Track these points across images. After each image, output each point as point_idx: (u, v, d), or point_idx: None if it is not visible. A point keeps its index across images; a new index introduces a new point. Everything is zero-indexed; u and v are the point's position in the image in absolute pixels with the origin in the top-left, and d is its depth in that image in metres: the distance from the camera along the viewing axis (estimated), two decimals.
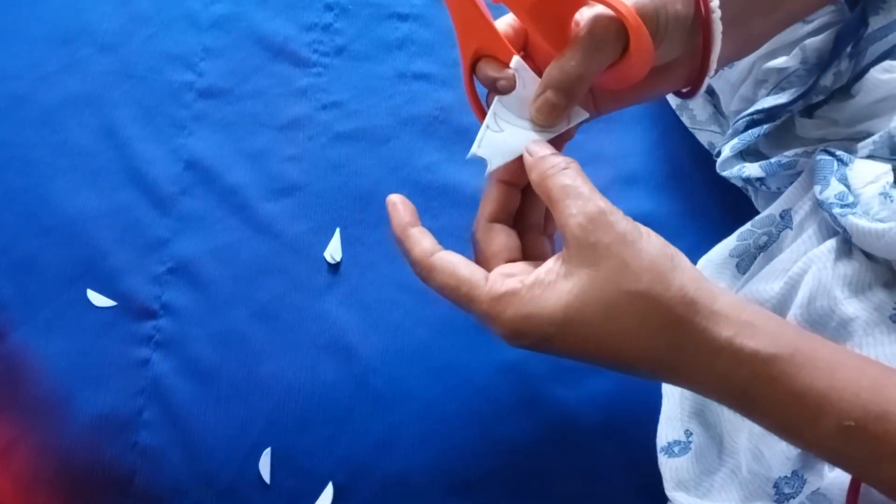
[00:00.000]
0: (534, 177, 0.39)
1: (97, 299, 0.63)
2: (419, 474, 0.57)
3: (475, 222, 0.42)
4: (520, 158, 0.41)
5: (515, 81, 0.41)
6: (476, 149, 0.41)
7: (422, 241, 0.40)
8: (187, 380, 0.60)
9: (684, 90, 0.44)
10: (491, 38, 0.41)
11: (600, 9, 0.38)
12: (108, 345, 0.61)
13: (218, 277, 0.63)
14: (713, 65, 0.41)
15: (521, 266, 0.39)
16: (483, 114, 0.43)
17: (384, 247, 0.64)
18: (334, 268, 0.64)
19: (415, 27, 0.73)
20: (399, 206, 0.42)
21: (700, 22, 0.39)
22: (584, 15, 0.38)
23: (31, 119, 0.69)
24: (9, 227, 0.65)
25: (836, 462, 0.36)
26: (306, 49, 0.72)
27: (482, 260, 0.41)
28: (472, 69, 0.42)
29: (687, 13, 0.39)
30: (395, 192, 0.67)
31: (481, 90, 0.44)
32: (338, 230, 0.65)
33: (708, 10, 0.39)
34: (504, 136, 0.41)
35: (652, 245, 0.36)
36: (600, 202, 0.36)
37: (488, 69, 0.41)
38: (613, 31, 0.37)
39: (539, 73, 0.41)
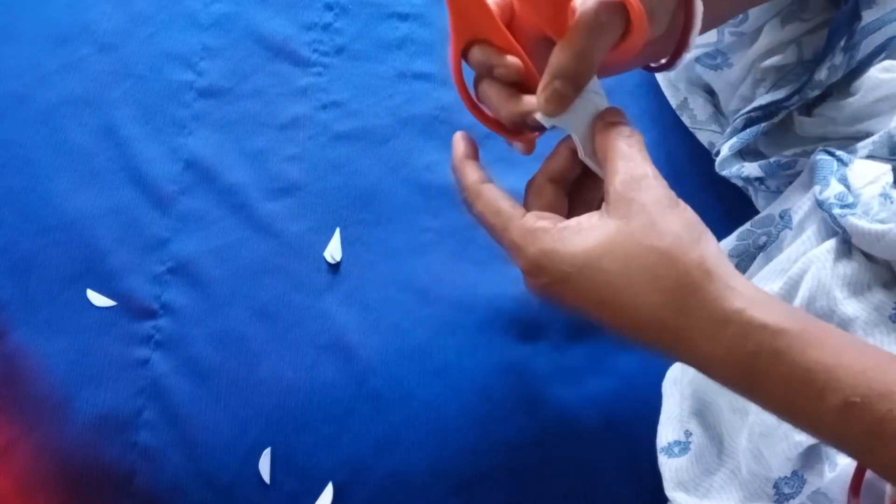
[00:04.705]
0: (598, 138, 0.40)
1: (97, 299, 0.63)
2: (419, 474, 0.57)
3: (533, 176, 0.43)
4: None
5: (515, 70, 0.40)
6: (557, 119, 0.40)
7: (476, 172, 0.42)
8: (187, 379, 0.60)
9: (654, 64, 0.45)
10: (488, 24, 0.40)
11: None
12: (108, 345, 0.61)
13: (218, 277, 0.63)
14: (692, 43, 0.42)
15: (559, 216, 0.40)
16: (469, 99, 0.43)
17: (384, 246, 0.64)
18: (334, 267, 0.64)
19: (415, 27, 0.73)
20: (462, 141, 0.44)
21: (681, 3, 0.40)
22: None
23: (31, 119, 0.69)
24: (8, 227, 0.65)
25: (836, 443, 0.36)
26: (306, 48, 0.72)
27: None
28: (464, 54, 0.42)
29: None
30: (395, 191, 0.68)
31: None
32: (338, 230, 0.65)
33: None
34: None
35: (685, 215, 0.37)
36: (649, 168, 0.38)
37: (482, 54, 0.41)
38: (619, 15, 0.38)
39: (525, 49, 0.41)
